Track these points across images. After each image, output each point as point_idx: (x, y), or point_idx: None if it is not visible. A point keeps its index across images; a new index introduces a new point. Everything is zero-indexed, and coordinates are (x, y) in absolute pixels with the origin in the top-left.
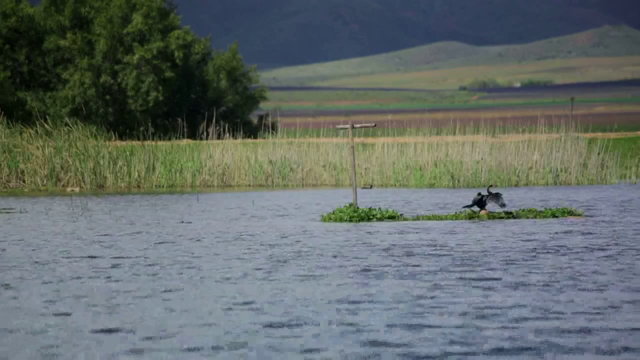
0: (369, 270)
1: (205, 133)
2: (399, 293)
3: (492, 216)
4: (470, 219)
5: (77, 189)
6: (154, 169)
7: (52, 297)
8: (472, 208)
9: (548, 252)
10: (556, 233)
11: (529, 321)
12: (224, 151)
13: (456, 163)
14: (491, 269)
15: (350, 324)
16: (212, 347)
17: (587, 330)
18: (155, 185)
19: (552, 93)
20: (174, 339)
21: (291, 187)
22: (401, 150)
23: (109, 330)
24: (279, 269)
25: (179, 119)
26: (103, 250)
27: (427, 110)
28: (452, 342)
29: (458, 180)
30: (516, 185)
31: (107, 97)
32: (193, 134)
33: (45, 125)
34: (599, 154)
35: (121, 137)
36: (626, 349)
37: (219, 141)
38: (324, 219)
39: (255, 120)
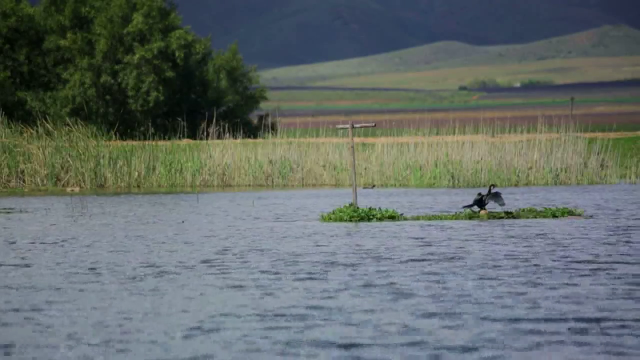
0: (368, 270)
1: (205, 133)
2: (399, 293)
3: (492, 216)
4: (470, 219)
5: (77, 189)
6: (154, 169)
7: (51, 298)
8: (472, 208)
9: (547, 252)
10: (556, 233)
11: (532, 321)
12: (224, 151)
13: (456, 163)
14: (491, 269)
15: (348, 324)
16: (209, 350)
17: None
18: (156, 185)
19: (552, 93)
20: (173, 340)
21: (291, 187)
22: (401, 150)
23: (108, 331)
24: (278, 270)
25: (179, 119)
26: (102, 250)
27: (426, 110)
28: (452, 343)
29: (458, 180)
30: (516, 185)
31: (108, 97)
32: (193, 134)
33: (46, 125)
34: (598, 153)
35: (121, 137)
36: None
37: (219, 141)
38: (323, 219)
39: (255, 120)
